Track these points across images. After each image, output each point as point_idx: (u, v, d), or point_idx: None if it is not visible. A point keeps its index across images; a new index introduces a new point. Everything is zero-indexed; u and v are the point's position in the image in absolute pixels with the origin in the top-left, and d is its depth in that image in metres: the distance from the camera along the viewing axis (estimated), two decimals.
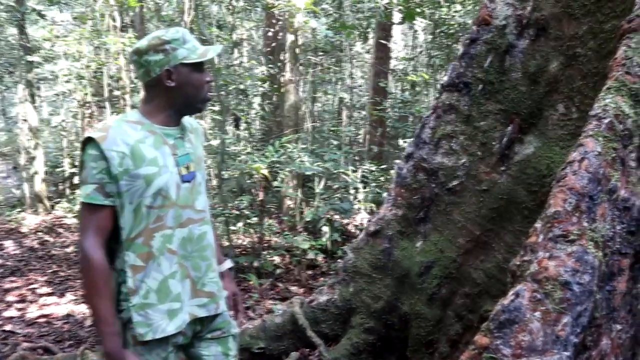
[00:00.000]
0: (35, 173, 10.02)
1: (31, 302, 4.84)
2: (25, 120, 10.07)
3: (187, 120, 1.86)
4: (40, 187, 10.07)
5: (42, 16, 8.82)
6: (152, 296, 1.64)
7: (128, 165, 1.58)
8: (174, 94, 1.67)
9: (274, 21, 8.72)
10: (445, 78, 3.03)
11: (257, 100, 10.17)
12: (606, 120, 1.89)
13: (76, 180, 10.19)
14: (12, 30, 11.72)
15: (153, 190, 1.61)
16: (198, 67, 1.68)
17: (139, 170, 1.59)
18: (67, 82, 9.71)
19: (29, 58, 9.66)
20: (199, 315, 1.76)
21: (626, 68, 2.01)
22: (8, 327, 4.16)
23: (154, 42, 1.63)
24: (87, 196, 1.59)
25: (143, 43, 1.65)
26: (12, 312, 4.52)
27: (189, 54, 1.64)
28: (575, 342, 1.55)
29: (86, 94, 9.39)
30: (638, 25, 2.12)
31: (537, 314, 1.55)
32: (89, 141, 1.59)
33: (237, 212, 5.96)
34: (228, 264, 2.04)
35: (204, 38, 6.99)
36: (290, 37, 7.47)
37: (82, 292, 1.65)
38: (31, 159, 10.11)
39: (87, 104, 9.77)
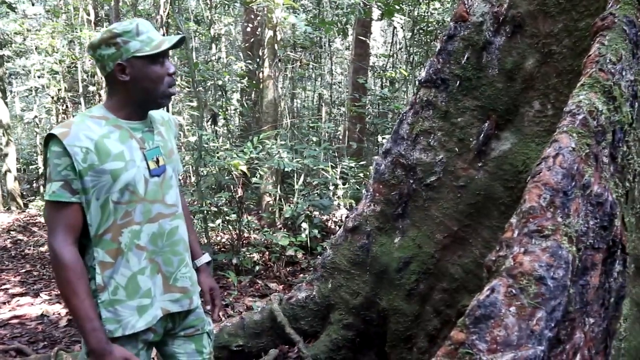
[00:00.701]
0: (8, 171, 9.80)
1: (4, 302, 4.72)
2: None
3: (158, 112, 1.83)
4: (13, 185, 9.85)
5: (13, 9, 8.59)
6: (121, 292, 1.62)
7: (93, 161, 1.55)
8: (130, 88, 1.63)
9: (252, 16, 8.66)
10: (423, 74, 3.04)
11: (235, 96, 10.09)
12: (580, 117, 1.91)
13: None
14: None
15: (120, 185, 1.59)
16: (155, 59, 1.61)
17: (104, 166, 1.56)
18: (39, 77, 9.50)
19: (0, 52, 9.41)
20: (172, 311, 1.73)
21: (600, 65, 2.04)
22: None
23: (105, 36, 1.59)
24: (52, 194, 1.55)
25: (96, 37, 1.62)
26: None
27: (141, 47, 1.58)
28: (550, 336, 1.57)
29: (60, 89, 9.20)
30: (611, 23, 2.15)
31: (512, 309, 1.56)
32: (51, 138, 1.56)
33: (216, 209, 5.91)
34: (206, 257, 2.01)
35: (181, 33, 6.90)
36: (269, 33, 7.42)
37: (59, 292, 1.62)
38: (3, 156, 9.88)
39: (61, 100, 9.57)
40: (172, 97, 1.71)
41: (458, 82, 2.86)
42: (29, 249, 6.72)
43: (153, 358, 3.07)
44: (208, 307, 1.95)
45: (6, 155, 9.81)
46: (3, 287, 5.18)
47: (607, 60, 2.03)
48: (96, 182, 1.57)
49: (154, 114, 1.79)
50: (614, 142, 1.99)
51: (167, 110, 7.55)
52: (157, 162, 1.68)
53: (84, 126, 1.58)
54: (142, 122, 1.70)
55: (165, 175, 1.71)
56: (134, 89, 1.63)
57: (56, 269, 1.57)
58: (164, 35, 6.86)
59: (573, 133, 1.87)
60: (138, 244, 1.64)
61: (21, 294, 4.95)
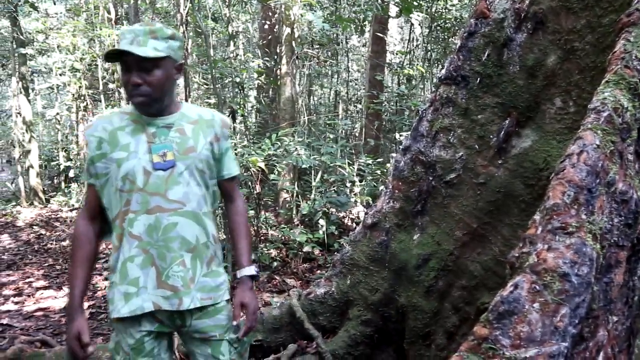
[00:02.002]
0: (30, 167, 9.98)
1: (28, 295, 4.83)
2: (19, 113, 10.02)
3: (199, 110, 1.87)
4: (35, 180, 10.03)
5: (35, 8, 8.74)
6: (117, 276, 1.74)
7: (106, 150, 1.72)
8: None
9: (270, 14, 8.69)
10: (443, 71, 3.03)
11: (253, 93, 10.15)
12: (605, 114, 1.90)
13: (71, 173, 10.17)
14: (5, 23, 11.63)
15: (121, 174, 1.70)
16: (122, 66, 1.68)
17: (112, 155, 1.71)
18: (61, 74, 9.65)
19: (22, 50, 9.58)
20: (162, 307, 1.72)
21: (625, 62, 2.02)
22: (5, 321, 4.16)
23: None
24: (83, 175, 1.82)
25: None
26: (9, 306, 4.52)
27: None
28: (573, 333, 1.57)
29: (81, 86, 9.33)
30: (637, 19, 2.13)
31: (536, 305, 1.56)
32: None
33: None
34: (246, 271, 1.90)
35: (200, 30, 6.95)
36: (286, 30, 7.44)
37: None
38: (26, 153, 10.07)
39: (82, 97, 9.72)
40: (141, 105, 1.70)
41: (478, 79, 2.85)
42: (51, 244, 6.85)
43: (175, 356, 3.12)
44: (234, 323, 1.86)
45: (29, 151, 9.99)
46: (27, 280, 5.30)
47: (633, 57, 2.01)
48: (108, 170, 1.72)
49: (190, 112, 1.84)
50: (639, 140, 1.97)
51: None
52: (164, 156, 1.71)
53: (106, 119, 1.77)
54: (161, 118, 1.76)
55: (174, 171, 1.72)
56: None
57: (72, 234, 1.79)
58: (183, 34, 6.89)
59: (597, 130, 1.86)
60: (131, 232, 1.70)
61: (45, 287, 5.06)
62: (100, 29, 7.92)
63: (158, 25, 1.71)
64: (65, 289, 4.98)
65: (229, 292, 1.90)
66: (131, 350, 1.73)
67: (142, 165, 1.69)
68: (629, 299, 1.90)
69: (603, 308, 1.74)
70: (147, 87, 1.66)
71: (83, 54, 8.94)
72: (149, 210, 1.69)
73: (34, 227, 7.95)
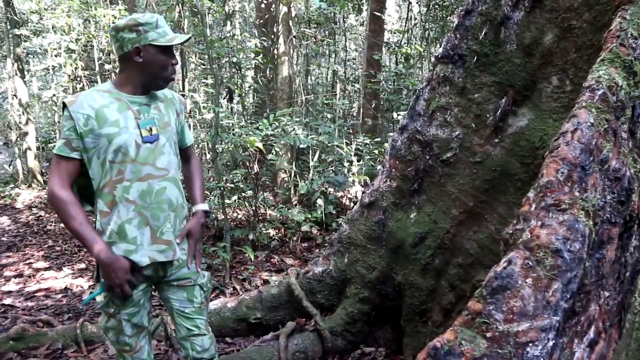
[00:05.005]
0: (28, 149, 9.96)
1: (29, 276, 4.87)
2: (15, 95, 9.96)
3: (162, 90, 2.12)
4: (33, 162, 10.02)
5: None
6: (114, 236, 1.94)
7: (93, 126, 1.88)
8: (141, 69, 1.94)
9: None
10: (440, 50, 3.02)
11: (250, 73, 10.08)
12: (599, 92, 1.91)
13: None
14: None
15: (113, 147, 1.89)
16: (165, 50, 1.94)
17: (101, 130, 1.88)
18: (56, 56, 9.55)
19: (17, 32, 9.48)
20: (158, 260, 1.99)
21: (620, 40, 2.02)
22: (7, 301, 4.20)
23: (130, 23, 1.90)
24: (57, 148, 1.90)
25: (121, 22, 1.93)
26: (10, 287, 4.56)
27: (158, 37, 1.90)
28: (565, 307, 1.60)
29: (76, 67, 9.25)
30: None
31: (529, 280, 1.59)
32: (64, 105, 1.91)
33: (232, 186, 5.98)
34: (201, 206, 2.22)
35: (196, 10, 6.89)
36: (283, 9, 7.37)
37: (63, 225, 1.96)
38: (23, 135, 10.04)
39: (78, 78, 9.64)
40: (170, 82, 2.03)
41: (475, 57, 2.85)
42: (50, 225, 6.88)
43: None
44: (177, 241, 2.08)
45: (26, 133, 9.96)
46: (28, 261, 5.34)
47: (629, 35, 2.02)
48: (96, 144, 1.89)
49: (157, 91, 2.08)
50: (633, 118, 1.99)
51: (183, 89, 7.58)
52: (150, 131, 1.97)
53: (89, 97, 1.92)
54: (141, 97, 2.00)
55: (158, 143, 1.99)
56: (144, 70, 1.94)
57: (55, 205, 1.88)
58: (179, 13, 6.82)
59: (592, 108, 1.87)
60: (127, 198, 1.93)
61: (45, 268, 5.10)
62: (96, 9, 7.83)
63: None
64: (66, 270, 5.03)
65: None
66: (121, 302, 2.00)
67: (134, 139, 1.92)
68: (621, 275, 1.94)
69: (595, 283, 1.77)
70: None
71: (78, 35, 8.85)
72: (140, 178, 1.93)
73: (33, 209, 7.97)
